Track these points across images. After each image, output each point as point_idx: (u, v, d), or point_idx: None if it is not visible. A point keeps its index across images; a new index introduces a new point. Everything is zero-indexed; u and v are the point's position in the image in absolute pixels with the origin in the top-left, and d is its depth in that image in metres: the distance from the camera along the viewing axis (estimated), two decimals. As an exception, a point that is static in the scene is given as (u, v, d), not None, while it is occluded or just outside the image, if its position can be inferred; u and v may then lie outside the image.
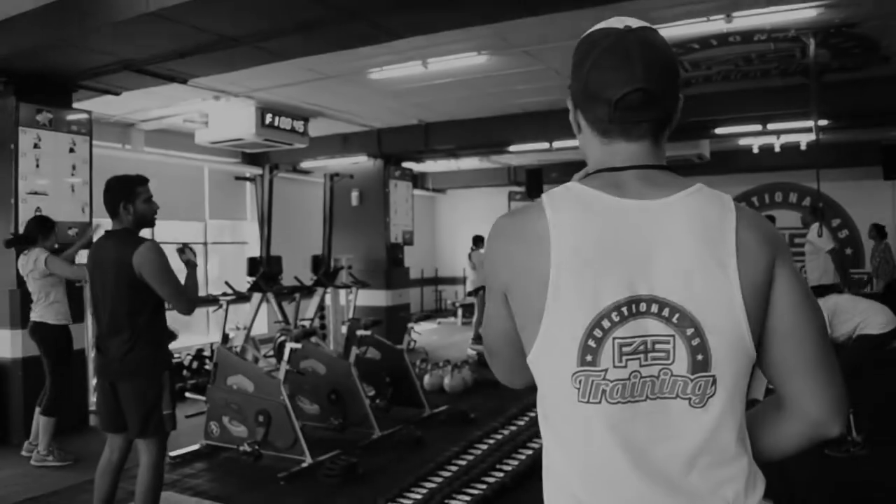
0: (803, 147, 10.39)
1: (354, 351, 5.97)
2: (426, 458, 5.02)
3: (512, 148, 10.28)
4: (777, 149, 10.74)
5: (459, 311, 13.90)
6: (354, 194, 10.90)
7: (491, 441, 5.44)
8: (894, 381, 6.82)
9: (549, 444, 1.17)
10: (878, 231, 10.15)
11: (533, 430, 5.55)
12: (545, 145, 9.91)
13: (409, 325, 7.30)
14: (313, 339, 6.33)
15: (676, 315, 1.07)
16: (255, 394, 5.12)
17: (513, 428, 5.80)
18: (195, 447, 5.35)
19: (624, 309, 1.06)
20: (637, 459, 1.07)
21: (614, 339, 1.06)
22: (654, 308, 1.07)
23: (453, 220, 16.14)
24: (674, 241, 1.09)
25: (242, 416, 5.14)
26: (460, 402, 6.86)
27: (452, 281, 16.05)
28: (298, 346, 5.26)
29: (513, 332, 1.19)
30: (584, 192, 1.14)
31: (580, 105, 1.20)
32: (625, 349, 1.07)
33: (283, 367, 5.09)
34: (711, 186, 1.16)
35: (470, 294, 11.67)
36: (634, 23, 1.15)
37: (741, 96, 8.01)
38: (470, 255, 11.61)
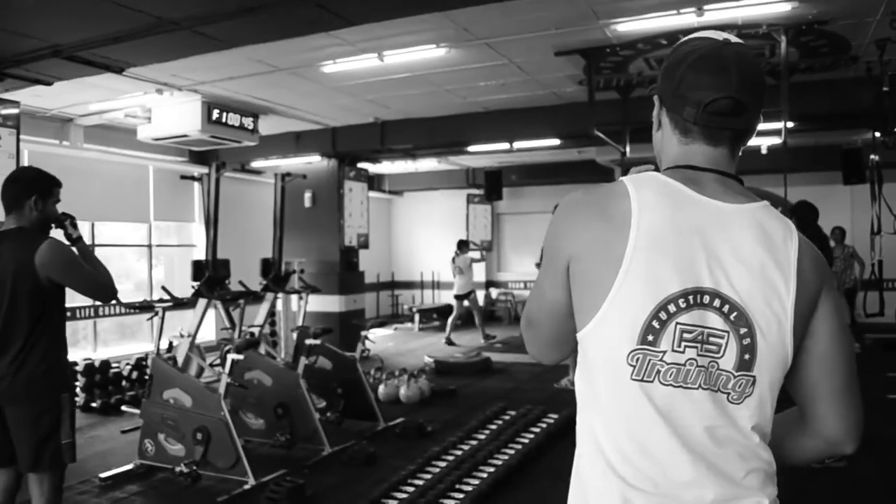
0: (764, 151, 10.30)
1: (303, 361, 5.58)
2: (380, 478, 4.67)
3: (472, 148, 9.97)
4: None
5: (417, 317, 13.56)
6: (307, 195, 10.47)
7: (450, 458, 5.09)
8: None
9: (594, 421, 1.21)
10: (843, 234, 10.14)
11: (494, 446, 5.23)
12: (506, 146, 9.62)
13: (363, 332, 6.93)
14: (263, 348, 5.94)
15: (735, 313, 1.14)
16: (193, 409, 4.70)
17: (473, 443, 5.46)
18: (128, 467, 4.92)
19: (690, 297, 1.13)
20: (684, 439, 1.13)
21: (677, 324, 1.13)
22: (717, 302, 1.14)
23: (410, 224, 15.81)
24: (743, 245, 1.16)
25: (179, 433, 4.73)
26: (417, 413, 6.51)
27: (409, 286, 15.71)
28: (240, 357, 4.85)
29: (562, 306, 1.25)
30: (666, 181, 1.20)
31: (667, 103, 1.27)
32: (686, 336, 1.13)
33: (224, 380, 4.68)
34: None
35: (457, 298, 11.54)
36: (733, 38, 1.23)
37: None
38: (454, 260, 11.47)
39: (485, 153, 11.00)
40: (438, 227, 15.27)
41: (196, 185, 10.55)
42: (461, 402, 7.11)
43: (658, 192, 1.18)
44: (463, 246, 11.59)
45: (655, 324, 1.12)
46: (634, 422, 1.15)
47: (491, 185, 12.79)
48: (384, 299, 15.46)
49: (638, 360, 1.14)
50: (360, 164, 11.03)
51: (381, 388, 7.11)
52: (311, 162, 10.37)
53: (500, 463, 4.95)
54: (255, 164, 10.95)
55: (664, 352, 1.13)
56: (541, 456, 5.15)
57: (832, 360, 1.21)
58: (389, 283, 15.66)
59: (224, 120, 8.09)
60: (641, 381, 1.14)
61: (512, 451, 5.20)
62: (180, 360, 6.02)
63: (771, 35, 5.97)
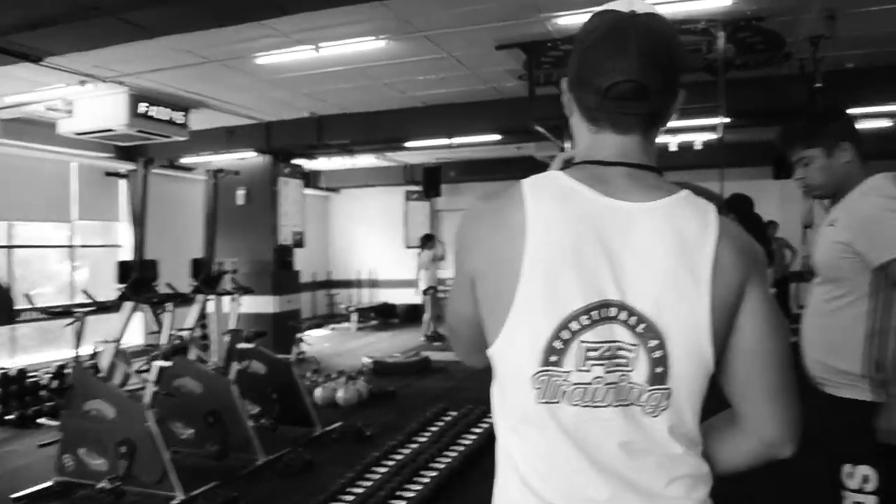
0: (698, 146, 10.46)
1: (236, 366, 5.33)
2: (318, 486, 4.48)
3: (410, 143, 9.79)
4: (673, 147, 10.75)
5: (354, 316, 13.31)
6: (240, 192, 10.10)
7: (390, 463, 4.92)
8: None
9: (507, 436, 1.15)
10: (775, 227, 10.40)
11: (435, 449, 5.10)
12: (445, 141, 9.48)
13: (299, 334, 6.70)
14: (193, 353, 5.65)
15: (643, 325, 1.06)
16: (116, 420, 4.42)
17: (414, 446, 5.30)
18: (47, 484, 4.58)
19: (594, 313, 1.05)
20: (596, 458, 1.07)
21: (581, 342, 1.05)
22: (623, 315, 1.06)
23: (347, 221, 15.53)
24: (650, 250, 1.07)
25: (102, 446, 4.43)
26: (355, 417, 6.32)
27: (347, 284, 15.43)
28: (168, 363, 4.58)
29: (473, 318, 1.17)
30: (567, 184, 1.11)
31: (572, 88, 1.17)
32: (590, 353, 1.06)
33: (150, 388, 4.41)
34: None
35: (424, 293, 11.53)
36: (641, 7, 1.10)
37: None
38: (420, 255, 11.51)
39: (423, 149, 10.85)
40: (376, 224, 15.05)
41: (122, 182, 10.14)
42: (401, 403, 6.95)
43: (556, 197, 1.09)
44: (427, 241, 11.55)
45: (557, 344, 1.05)
46: (545, 443, 1.09)
47: (429, 181, 12.63)
48: (320, 299, 15.13)
49: (543, 381, 1.07)
50: (296, 161, 10.71)
51: (318, 392, 6.88)
52: (245, 158, 10.02)
53: (442, 466, 4.82)
54: (186, 161, 10.52)
55: (568, 372, 1.06)
56: (483, 457, 5.01)
57: (764, 356, 1.12)
58: (326, 283, 15.34)
59: (151, 114, 7.70)
60: (548, 403, 1.08)
61: (454, 454, 5.07)
62: (104, 367, 5.70)
63: (709, 31, 5.99)
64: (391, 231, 14.62)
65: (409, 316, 13.84)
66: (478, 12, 5.52)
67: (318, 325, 13.42)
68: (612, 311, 1.05)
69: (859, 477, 2.26)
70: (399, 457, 5.06)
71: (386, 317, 14.15)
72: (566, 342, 1.05)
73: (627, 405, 1.08)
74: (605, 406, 1.07)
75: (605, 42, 1.09)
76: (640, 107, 1.11)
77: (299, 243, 10.68)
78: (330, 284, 15.44)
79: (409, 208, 14.29)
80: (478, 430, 5.62)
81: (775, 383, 1.13)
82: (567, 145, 7.97)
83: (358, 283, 15.40)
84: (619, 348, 1.06)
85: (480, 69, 7.20)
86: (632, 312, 1.05)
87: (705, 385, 1.11)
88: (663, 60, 1.09)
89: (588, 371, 1.06)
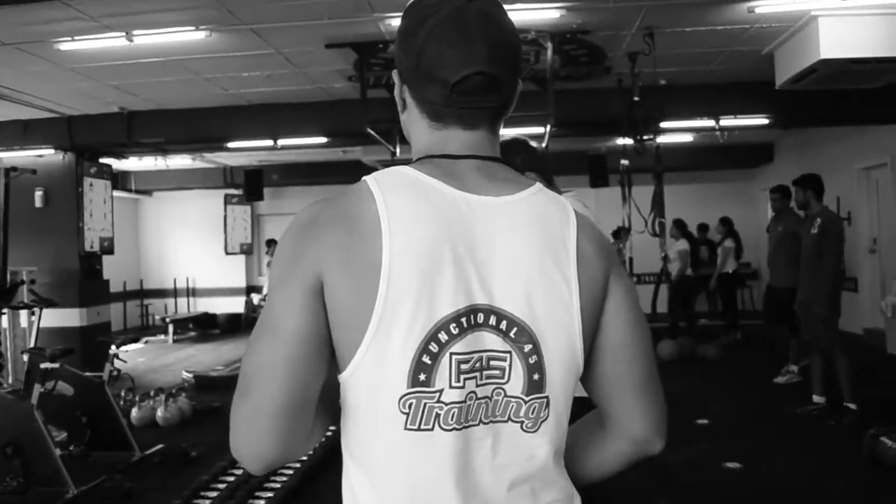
0: (521, 154, 10.78)
1: (38, 389, 4.74)
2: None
3: (232, 144, 9.28)
4: (498, 155, 11.07)
5: (171, 328, 12.47)
6: (38, 194, 9.09)
7: (221, 486, 4.57)
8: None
9: (357, 479, 0.99)
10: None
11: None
12: (269, 143, 9.09)
13: (112, 350, 6.12)
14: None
15: (514, 329, 0.97)
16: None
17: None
18: None
19: (463, 320, 0.94)
20: (466, 491, 0.95)
21: (452, 354, 0.93)
22: (493, 320, 0.96)
23: (161, 226, 14.61)
24: (515, 246, 0.98)
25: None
26: (178, 437, 5.84)
27: (161, 294, 14.49)
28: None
29: (313, 339, 0.93)
30: (418, 179, 0.99)
31: (409, 82, 1.05)
32: (462, 367, 0.94)
33: (-69, 419, 3.78)
34: None
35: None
36: None
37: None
38: (268, 263, 10.96)
39: (244, 150, 10.35)
40: (193, 229, 14.27)
41: None
42: (227, 420, 6.50)
43: (408, 194, 0.97)
44: (273, 245, 11.17)
45: (426, 359, 0.93)
46: (413, 481, 0.95)
47: (251, 184, 12.16)
48: (132, 309, 14.05)
49: (411, 405, 0.93)
50: (103, 160, 9.83)
51: (135, 412, 6.30)
52: (43, 155, 9.01)
53: (278, 486, 4.54)
54: (-30, 157, 9.37)
55: (440, 391, 0.94)
56: (323, 472, 4.79)
57: (631, 352, 1.07)
58: (138, 292, 14.31)
59: (-74, 102, 6.75)
60: (417, 430, 0.94)
61: (290, 472, 4.80)
62: None
63: (538, 41, 6.15)
64: (210, 236, 13.91)
65: (232, 326, 13.21)
66: (307, 7, 5.30)
67: (133, 339, 12.45)
68: (481, 317, 0.95)
69: None
70: (230, 479, 4.72)
71: (206, 327, 13.38)
72: (435, 356, 0.93)
73: (504, 422, 0.98)
74: (476, 424, 0.97)
75: (446, 31, 0.98)
76: (492, 99, 1.02)
77: (108, 250, 9.81)
78: (143, 294, 14.43)
79: (230, 212, 13.67)
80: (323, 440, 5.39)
81: (642, 379, 1.08)
82: (398, 149, 7.91)
83: (174, 292, 14.51)
84: (491, 357, 0.96)
85: (309, 68, 6.96)
86: (501, 316, 0.96)
87: (574, 389, 1.05)
88: (510, 49, 1.02)
89: (462, 387, 0.94)
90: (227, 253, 13.64)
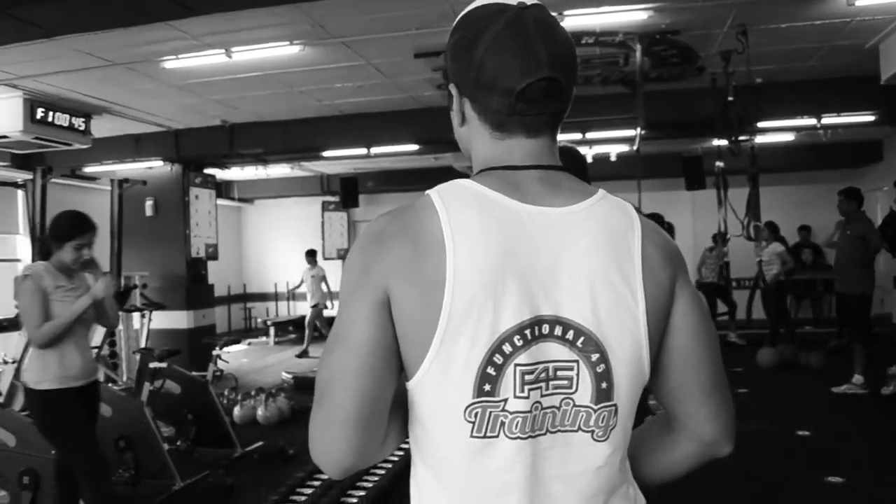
0: (613, 158, 10.63)
1: (148, 387, 5.04)
2: (239, 511, 4.26)
3: (327, 153, 9.58)
4: (589, 160, 10.90)
5: (272, 330, 12.95)
6: (149, 203, 9.67)
7: (315, 483, 4.74)
8: None
9: (425, 479, 1.03)
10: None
11: (363, 466, 4.93)
12: (363, 151, 9.31)
13: (216, 350, 6.42)
14: (101, 373, 5.32)
15: (581, 339, 0.98)
16: (17, 449, 4.07)
17: (339, 464, 5.13)
18: (-64, 522, 4.21)
19: (527, 332, 0.95)
20: (534, 499, 0.98)
21: (516, 365, 0.95)
22: (558, 331, 0.97)
23: (262, 232, 15.13)
24: (579, 256, 0.99)
25: (3, 478, 4.08)
26: (277, 435, 6.07)
27: (262, 297, 15.02)
28: (73, 387, 4.26)
29: (382, 352, 0.96)
30: (480, 192, 1.00)
31: (469, 94, 1.05)
32: (527, 377, 0.96)
33: (53, 414, 4.09)
34: None
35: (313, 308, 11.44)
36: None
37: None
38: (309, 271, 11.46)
39: (340, 159, 10.66)
40: (292, 235, 14.73)
41: (20, 192, 9.55)
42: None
43: (471, 207, 0.98)
44: (310, 256, 11.56)
45: (491, 370, 0.94)
46: (478, 486, 0.98)
47: (347, 192, 12.46)
48: (236, 313, 14.68)
49: (477, 414, 0.95)
50: (207, 170, 10.35)
51: (237, 410, 6.61)
52: (153, 167, 9.59)
53: (370, 485, 4.67)
54: (89, 170, 9.97)
55: (505, 400, 0.95)
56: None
57: (699, 355, 1.07)
58: (241, 296, 14.91)
59: (50, 119, 7.27)
60: (483, 437, 0.96)
61: (382, 472, 4.93)
62: (3, 389, 5.31)
63: (626, 44, 6.08)
64: (308, 242, 14.31)
65: (329, 328, 13.56)
66: (395, 19, 5.43)
67: (235, 341, 12.99)
68: (546, 328, 0.96)
69: None
70: (325, 477, 4.88)
71: (305, 330, 13.81)
72: (500, 367, 0.94)
73: (573, 431, 0.99)
74: (543, 433, 0.98)
75: (506, 40, 0.99)
76: (554, 105, 1.04)
77: (213, 256, 10.31)
78: (245, 298, 15.02)
79: (327, 219, 14.05)
80: (405, 446, 5.48)
81: (711, 382, 1.09)
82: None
83: (275, 296, 15.02)
84: (557, 368, 0.97)
85: (399, 78, 7.11)
86: (568, 326, 0.97)
87: (638, 399, 1.06)
88: (568, 54, 1.03)
89: (527, 397, 0.96)
90: (325, 258, 14.03)
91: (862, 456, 5.06)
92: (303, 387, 8.21)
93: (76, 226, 3.51)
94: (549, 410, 0.98)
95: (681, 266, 1.09)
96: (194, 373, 6.06)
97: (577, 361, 0.98)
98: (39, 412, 3.52)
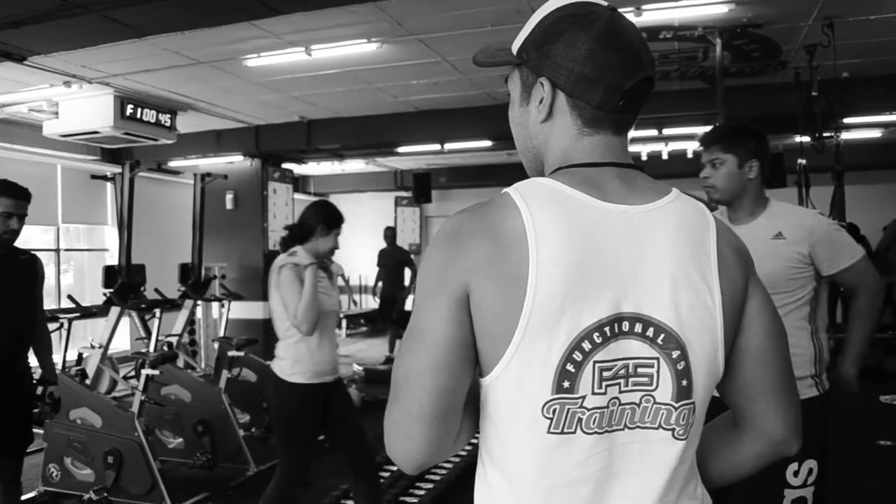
0: (690, 155, 10.40)
1: (225, 374, 5.22)
2: (313, 498, 4.39)
3: (402, 149, 9.70)
4: (665, 156, 10.70)
5: (344, 323, 13.22)
6: (229, 197, 9.98)
7: (385, 475, 4.81)
8: None
9: (494, 478, 1.03)
10: None
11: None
12: (436, 147, 9.38)
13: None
14: (181, 360, 5.54)
15: (662, 335, 0.98)
16: (103, 430, 4.29)
17: (408, 456, 5.21)
18: (31, 495, 4.43)
19: (606, 329, 0.96)
20: (608, 495, 0.98)
21: (595, 362, 0.96)
22: (639, 328, 0.98)
23: (337, 226, 15.38)
24: (658, 254, 0.99)
25: (88, 456, 4.30)
26: (348, 425, 6.20)
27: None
28: (156, 372, 4.46)
29: (460, 350, 0.97)
30: (561, 190, 1.00)
31: (570, 87, 1.04)
32: (605, 374, 0.96)
33: (138, 397, 4.29)
34: None
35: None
36: (606, 1, 1.06)
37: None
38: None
39: (413, 154, 10.76)
40: (366, 229, 14.92)
41: (109, 185, 9.99)
42: (393, 412, 6.82)
43: (552, 206, 0.98)
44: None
45: (570, 367, 0.95)
46: (551, 481, 0.98)
47: (419, 187, 12.56)
48: (310, 304, 14.97)
49: (555, 411, 0.96)
50: (285, 165, 10.61)
51: (310, 400, 6.76)
52: (233, 162, 9.89)
53: (437, 479, 4.74)
54: (173, 164, 10.40)
55: (583, 397, 0.96)
56: (479, 469, 4.94)
57: (770, 354, 1.08)
58: (315, 288, 15.20)
59: (139, 116, 7.56)
60: (560, 433, 0.97)
61: (449, 466, 4.98)
62: (91, 373, 5.58)
63: (705, 38, 5.94)
64: (381, 237, 14.54)
65: (401, 322, 13.73)
66: (471, 16, 5.44)
67: (309, 332, 13.30)
68: (626, 325, 0.97)
69: (805, 471, 2.35)
70: (394, 468, 4.96)
71: (376, 323, 14.03)
72: (579, 364, 0.95)
73: (654, 429, 1.00)
74: (620, 429, 0.99)
75: (612, 37, 1.01)
76: (641, 104, 1.07)
77: (289, 249, 10.56)
78: (319, 290, 15.30)
79: (400, 214, 14.21)
80: (474, 440, 5.52)
81: (781, 380, 1.10)
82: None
83: (348, 289, 15.28)
84: (638, 365, 0.98)
85: (474, 74, 7.12)
86: (648, 323, 0.98)
87: (711, 395, 1.07)
88: (649, 54, 1.06)
89: (605, 394, 0.97)
90: (398, 252, 14.19)
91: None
92: (373, 379, 8.35)
93: (340, 215, 3.74)
94: (627, 406, 0.99)
95: (752, 265, 1.10)
96: (270, 362, 6.22)
97: (657, 359, 0.99)
98: (283, 402, 3.53)
